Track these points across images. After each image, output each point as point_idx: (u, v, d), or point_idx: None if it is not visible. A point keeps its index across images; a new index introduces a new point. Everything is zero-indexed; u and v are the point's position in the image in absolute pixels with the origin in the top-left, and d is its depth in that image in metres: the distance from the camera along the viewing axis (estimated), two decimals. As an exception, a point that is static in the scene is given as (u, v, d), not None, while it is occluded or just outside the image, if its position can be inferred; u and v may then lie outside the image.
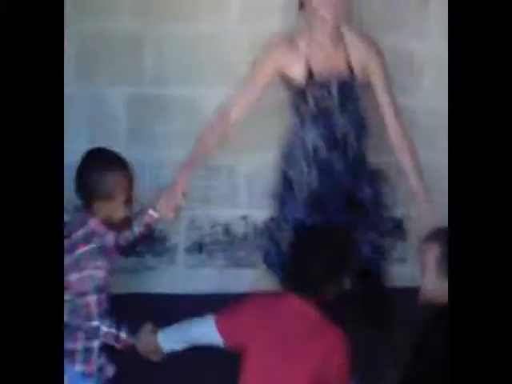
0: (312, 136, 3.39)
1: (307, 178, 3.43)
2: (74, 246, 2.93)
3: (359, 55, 3.37)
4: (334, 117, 3.35)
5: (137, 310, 3.83)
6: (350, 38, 3.37)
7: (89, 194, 3.00)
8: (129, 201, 3.05)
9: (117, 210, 3.02)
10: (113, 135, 3.94)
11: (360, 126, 3.46)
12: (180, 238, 4.12)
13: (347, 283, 2.85)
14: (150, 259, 4.16)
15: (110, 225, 3.06)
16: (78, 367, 3.02)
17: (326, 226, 3.13)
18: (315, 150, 3.40)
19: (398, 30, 4.19)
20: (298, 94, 3.38)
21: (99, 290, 2.95)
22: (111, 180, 2.98)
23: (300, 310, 2.74)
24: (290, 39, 3.39)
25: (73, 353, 2.99)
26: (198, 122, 4.03)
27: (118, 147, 3.92)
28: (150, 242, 4.14)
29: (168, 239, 4.16)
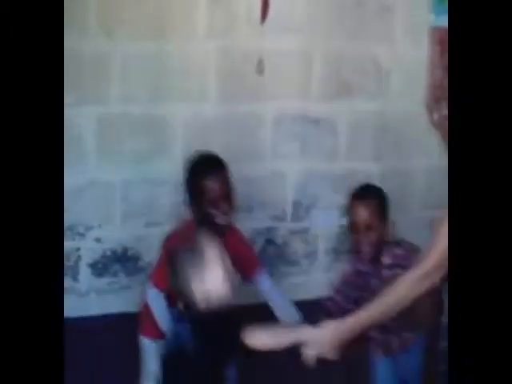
0: None
1: None
2: None
3: None
4: None
5: (112, 329, 3.81)
6: None
7: None
8: None
9: None
10: (81, 154, 3.92)
11: None
12: (154, 257, 4.08)
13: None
14: (123, 278, 4.12)
15: None
16: None
17: None
18: None
19: (362, 34, 4.24)
20: None
21: None
22: None
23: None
24: None
25: None
26: (167, 139, 4.05)
27: (87, 166, 3.95)
28: (123, 262, 4.11)
29: (141, 258, 4.13)
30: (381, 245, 3.34)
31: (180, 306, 2.77)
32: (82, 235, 4.04)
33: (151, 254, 3.98)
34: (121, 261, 4.09)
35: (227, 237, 3.33)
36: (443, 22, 4.33)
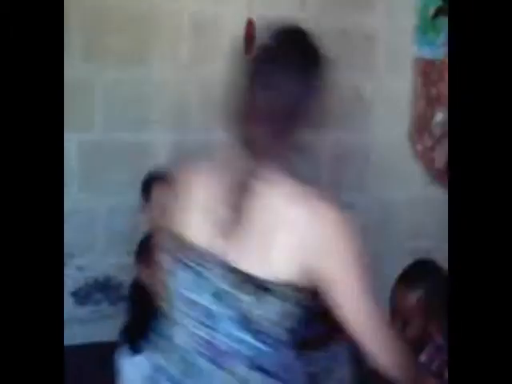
0: None
1: None
2: None
3: None
4: None
5: (93, 359, 3.78)
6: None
7: None
8: None
9: None
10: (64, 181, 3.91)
11: None
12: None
13: None
14: (106, 308, 4.10)
15: None
16: None
17: None
18: None
19: (346, 65, 4.27)
20: None
21: None
22: None
23: None
24: None
25: None
26: (149, 167, 4.04)
27: (70, 193, 3.94)
28: (106, 291, 4.10)
29: (124, 287, 4.11)
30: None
31: None
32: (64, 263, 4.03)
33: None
34: (103, 289, 4.07)
35: None
36: (426, 53, 4.38)
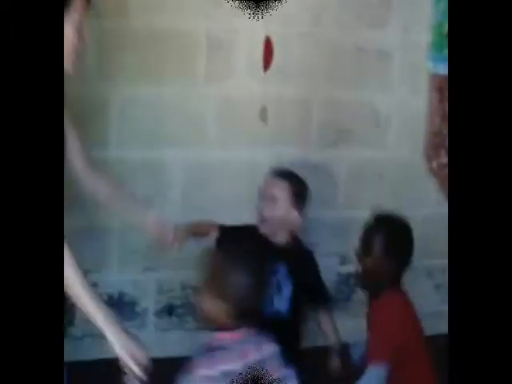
0: None
1: None
2: None
3: None
4: None
5: (109, 374, 3.76)
6: None
7: None
8: None
9: None
10: (79, 198, 3.89)
11: None
12: (150, 302, 4.06)
13: None
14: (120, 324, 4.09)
15: None
16: None
17: None
18: None
19: (361, 82, 4.27)
20: None
21: None
22: None
23: None
24: None
25: None
26: (165, 184, 4.04)
27: (85, 210, 3.93)
28: (120, 306, 4.09)
29: (138, 303, 4.11)
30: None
31: None
32: (78, 279, 4.02)
33: (148, 299, 3.96)
34: (117, 306, 4.06)
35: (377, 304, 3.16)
36: (441, 69, 4.37)
